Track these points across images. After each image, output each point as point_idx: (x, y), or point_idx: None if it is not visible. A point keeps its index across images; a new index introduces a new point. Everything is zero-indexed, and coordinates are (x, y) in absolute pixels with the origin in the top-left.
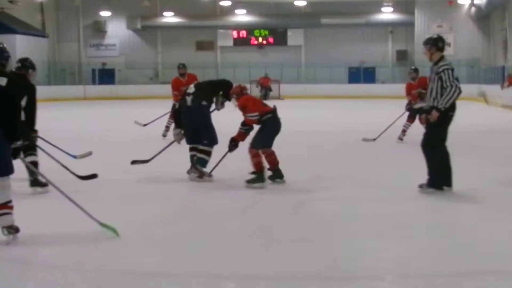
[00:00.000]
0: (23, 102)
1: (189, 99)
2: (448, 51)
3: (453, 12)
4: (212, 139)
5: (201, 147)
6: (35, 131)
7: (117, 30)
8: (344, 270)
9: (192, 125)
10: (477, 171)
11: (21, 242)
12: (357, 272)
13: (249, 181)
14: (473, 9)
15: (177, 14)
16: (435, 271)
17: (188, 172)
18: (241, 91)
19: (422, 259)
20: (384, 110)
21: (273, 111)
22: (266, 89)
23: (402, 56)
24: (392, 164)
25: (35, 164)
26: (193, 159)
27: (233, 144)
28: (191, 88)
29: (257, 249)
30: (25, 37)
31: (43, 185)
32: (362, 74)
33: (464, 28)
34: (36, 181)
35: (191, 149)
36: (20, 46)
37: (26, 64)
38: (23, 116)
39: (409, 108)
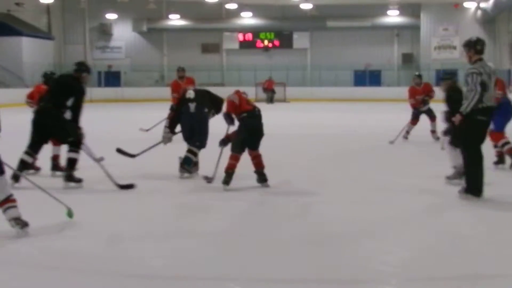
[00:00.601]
0: (69, 103)
1: (192, 106)
2: (453, 54)
3: (459, 15)
4: (202, 143)
5: (191, 147)
6: (79, 128)
7: (123, 32)
8: (348, 273)
9: (192, 127)
10: None
11: (22, 242)
12: (361, 275)
13: (222, 182)
14: (479, 12)
15: (183, 16)
16: (440, 274)
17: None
18: (235, 94)
19: (427, 262)
20: (389, 113)
21: (249, 111)
22: (270, 92)
23: (408, 59)
24: (396, 167)
25: (73, 161)
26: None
27: (223, 140)
28: (191, 93)
29: (261, 252)
30: (31, 39)
31: (77, 180)
32: (368, 77)
33: (470, 31)
34: (70, 177)
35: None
36: (26, 48)
37: (82, 68)
38: (69, 115)
39: (415, 112)
